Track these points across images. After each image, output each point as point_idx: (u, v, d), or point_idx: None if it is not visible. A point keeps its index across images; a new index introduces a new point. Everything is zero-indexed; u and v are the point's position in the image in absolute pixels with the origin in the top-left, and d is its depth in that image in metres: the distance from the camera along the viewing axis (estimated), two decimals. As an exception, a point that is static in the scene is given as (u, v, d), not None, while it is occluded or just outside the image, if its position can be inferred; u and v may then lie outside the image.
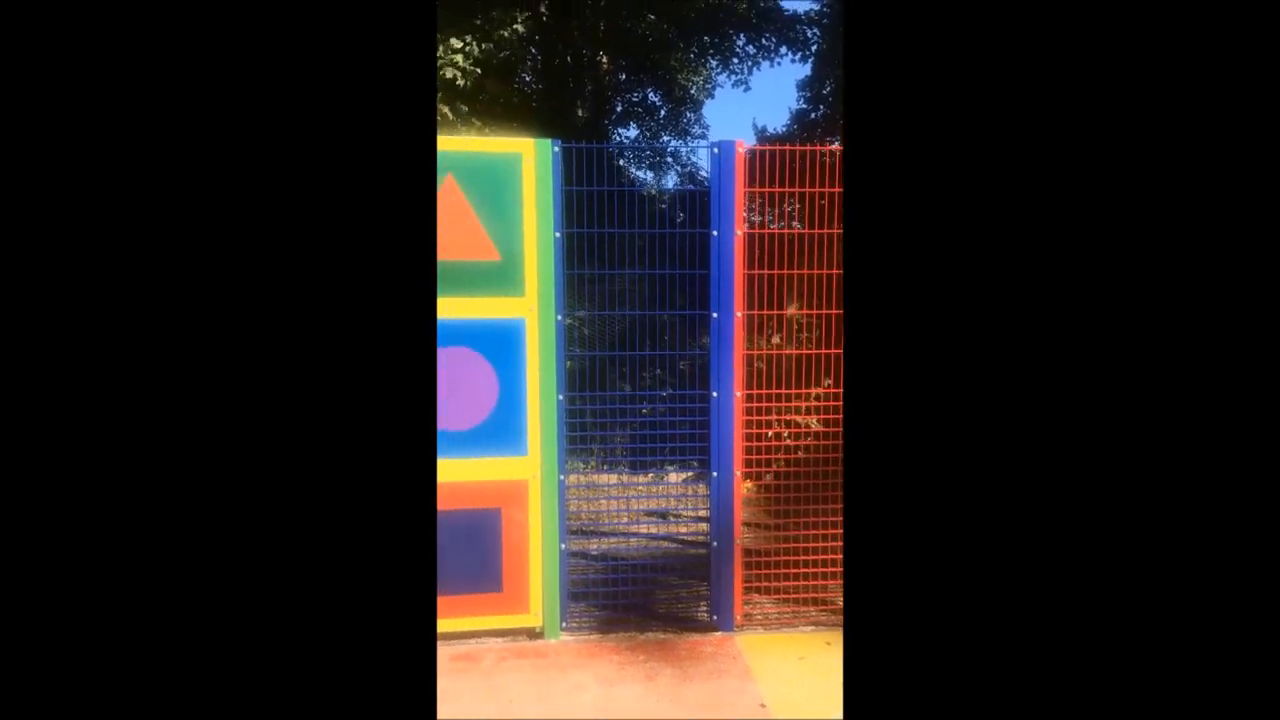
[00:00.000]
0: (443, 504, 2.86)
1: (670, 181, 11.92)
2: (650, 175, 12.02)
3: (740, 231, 2.91)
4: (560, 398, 2.90)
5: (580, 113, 9.42)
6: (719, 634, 3.00)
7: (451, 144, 2.80)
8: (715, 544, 3.02)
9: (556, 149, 2.83)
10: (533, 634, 2.95)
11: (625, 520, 4.06)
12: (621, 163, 9.71)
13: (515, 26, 5.25)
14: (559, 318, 2.88)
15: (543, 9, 7.68)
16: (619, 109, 11.57)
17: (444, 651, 2.83)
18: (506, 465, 2.89)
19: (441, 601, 2.87)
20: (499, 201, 2.80)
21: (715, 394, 2.96)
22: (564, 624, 2.99)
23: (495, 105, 6.38)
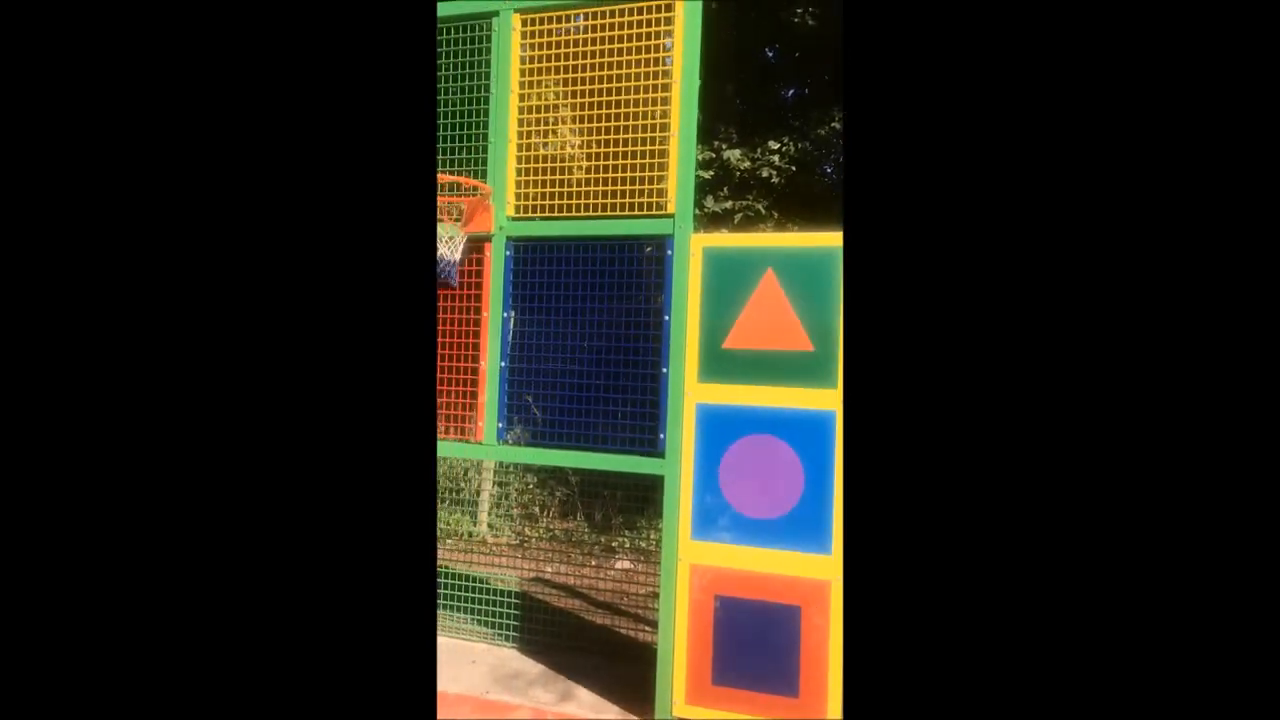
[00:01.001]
0: (739, 591, 2.84)
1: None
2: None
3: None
4: (869, 497, 2.75)
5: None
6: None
7: (772, 239, 2.90)
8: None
9: (878, 241, 2.79)
10: (827, 751, 2.74)
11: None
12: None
13: (833, 124, 5.40)
14: (872, 412, 2.76)
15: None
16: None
17: (733, 749, 2.75)
18: (808, 562, 2.79)
19: (728, 693, 2.81)
20: (816, 293, 2.82)
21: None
22: (862, 748, 2.73)
23: (796, 198, 6.55)
